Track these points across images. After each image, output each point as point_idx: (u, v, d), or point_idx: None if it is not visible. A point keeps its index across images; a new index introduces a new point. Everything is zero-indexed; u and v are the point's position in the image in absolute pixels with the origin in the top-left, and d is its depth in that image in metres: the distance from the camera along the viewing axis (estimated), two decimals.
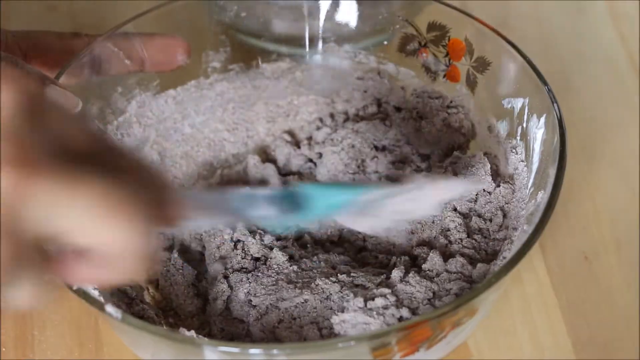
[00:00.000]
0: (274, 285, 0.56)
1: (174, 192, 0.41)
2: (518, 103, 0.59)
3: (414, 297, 0.54)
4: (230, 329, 0.56)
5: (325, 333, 0.54)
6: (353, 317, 0.52)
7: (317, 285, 0.55)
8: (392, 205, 0.50)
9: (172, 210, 0.40)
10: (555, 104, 0.55)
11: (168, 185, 0.41)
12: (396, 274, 0.55)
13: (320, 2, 0.64)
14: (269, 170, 0.65)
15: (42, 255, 0.36)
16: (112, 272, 0.38)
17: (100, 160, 0.37)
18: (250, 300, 0.56)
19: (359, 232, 0.61)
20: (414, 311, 0.53)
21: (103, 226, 0.36)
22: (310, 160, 0.66)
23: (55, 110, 0.36)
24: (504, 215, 0.58)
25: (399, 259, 0.58)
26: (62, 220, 0.35)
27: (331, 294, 0.55)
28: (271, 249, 0.59)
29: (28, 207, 0.34)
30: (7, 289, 0.35)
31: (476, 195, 0.60)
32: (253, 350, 0.48)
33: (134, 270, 0.38)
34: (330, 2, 0.65)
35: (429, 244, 0.59)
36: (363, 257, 0.60)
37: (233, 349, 0.47)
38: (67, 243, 0.36)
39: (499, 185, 0.59)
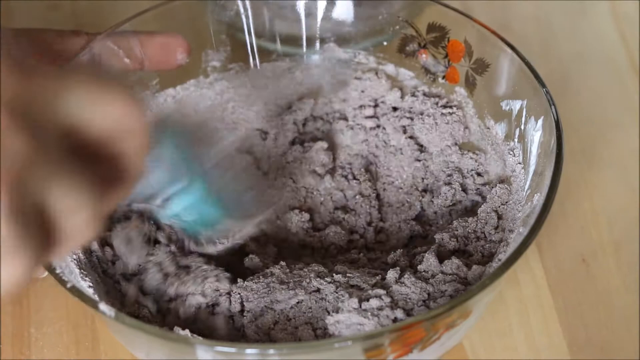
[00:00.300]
0: (265, 288, 0.56)
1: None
2: (516, 105, 0.59)
3: (409, 298, 0.53)
4: None
5: (320, 333, 0.54)
6: (347, 318, 0.52)
7: (312, 285, 0.55)
8: None
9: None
10: (552, 107, 0.55)
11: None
12: (392, 274, 0.55)
13: (319, 2, 0.64)
14: None
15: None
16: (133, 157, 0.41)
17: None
18: (244, 309, 0.56)
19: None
20: (408, 312, 0.53)
21: (102, 99, 0.39)
22: None
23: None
24: (500, 218, 0.58)
25: (396, 256, 0.58)
26: (68, 107, 0.38)
27: (326, 294, 0.55)
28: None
29: (34, 104, 0.37)
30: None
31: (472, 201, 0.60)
32: (249, 350, 0.48)
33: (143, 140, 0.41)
34: (330, 2, 0.65)
35: (427, 243, 0.59)
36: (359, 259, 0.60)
37: (229, 349, 0.47)
38: (87, 134, 0.39)
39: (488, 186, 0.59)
